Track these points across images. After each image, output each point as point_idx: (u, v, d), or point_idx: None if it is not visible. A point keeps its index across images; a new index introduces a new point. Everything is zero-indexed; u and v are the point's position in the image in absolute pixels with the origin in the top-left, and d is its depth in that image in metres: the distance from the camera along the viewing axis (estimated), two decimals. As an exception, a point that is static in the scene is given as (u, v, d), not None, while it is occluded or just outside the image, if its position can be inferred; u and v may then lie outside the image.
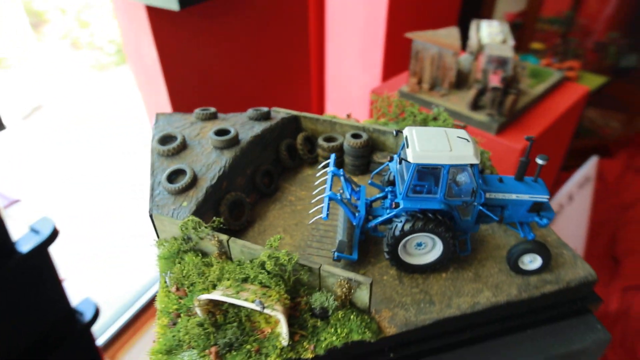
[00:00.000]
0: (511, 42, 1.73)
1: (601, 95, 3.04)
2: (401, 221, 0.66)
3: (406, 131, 0.68)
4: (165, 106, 1.62)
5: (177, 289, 0.65)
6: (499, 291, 0.69)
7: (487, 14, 3.18)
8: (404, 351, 0.66)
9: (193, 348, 0.59)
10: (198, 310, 0.61)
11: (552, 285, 0.70)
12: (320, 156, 0.93)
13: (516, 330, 0.71)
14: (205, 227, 0.66)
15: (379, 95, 1.75)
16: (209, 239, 0.67)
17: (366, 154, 0.90)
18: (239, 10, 1.59)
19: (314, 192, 0.78)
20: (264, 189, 0.86)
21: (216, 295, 0.59)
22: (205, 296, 0.59)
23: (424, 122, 0.97)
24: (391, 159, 0.75)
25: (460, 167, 0.64)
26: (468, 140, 0.66)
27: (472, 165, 0.64)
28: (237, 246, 0.66)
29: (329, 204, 0.69)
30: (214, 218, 0.68)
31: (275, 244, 0.62)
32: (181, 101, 1.61)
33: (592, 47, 3.17)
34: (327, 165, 0.80)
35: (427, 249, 0.69)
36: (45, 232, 1.43)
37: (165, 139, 0.83)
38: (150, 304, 2.75)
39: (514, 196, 0.69)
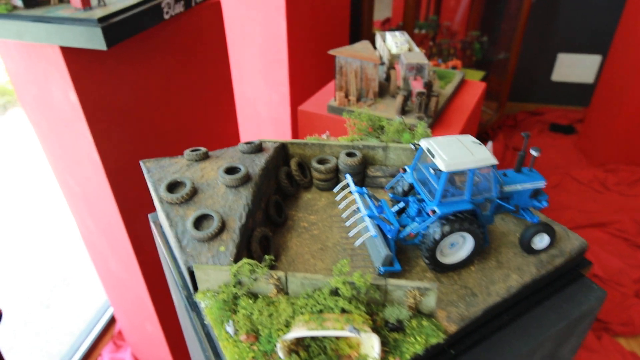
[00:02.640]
0: (416, 49, 1.90)
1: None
2: (438, 225, 0.72)
3: (424, 143, 0.74)
4: (90, 153, 1.51)
5: (247, 337, 0.64)
6: (523, 272, 0.78)
7: (368, 26, 3.41)
8: (460, 345, 0.72)
9: (288, 389, 0.59)
10: (280, 352, 0.61)
11: (560, 258, 0.81)
12: (316, 179, 0.96)
13: (538, 304, 0.81)
14: (262, 268, 0.66)
15: (306, 112, 1.79)
16: (265, 279, 0.66)
17: (361, 170, 0.95)
18: (161, 46, 1.54)
19: (343, 215, 0.81)
20: (277, 219, 0.86)
21: (303, 331, 0.59)
22: (291, 335, 0.59)
23: (399, 134, 1.04)
24: (404, 171, 0.81)
25: (484, 169, 0.72)
26: (480, 144, 0.74)
27: (492, 165, 0.72)
28: (297, 279, 0.66)
29: (370, 221, 0.72)
30: (266, 256, 0.68)
31: (346, 269, 0.64)
32: (109, 146, 1.51)
33: (460, 46, 3.55)
34: (345, 187, 0.84)
35: (458, 247, 0.76)
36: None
37: (172, 186, 0.80)
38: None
39: (519, 187, 0.80)
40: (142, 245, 1.71)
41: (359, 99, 1.78)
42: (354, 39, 3.07)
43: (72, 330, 2.69)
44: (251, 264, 0.65)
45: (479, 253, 0.79)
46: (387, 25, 4.16)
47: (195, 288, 0.71)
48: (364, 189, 0.79)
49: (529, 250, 0.80)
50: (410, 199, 0.79)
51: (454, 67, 2.85)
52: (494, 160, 0.72)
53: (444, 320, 0.70)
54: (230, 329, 0.65)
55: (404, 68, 1.72)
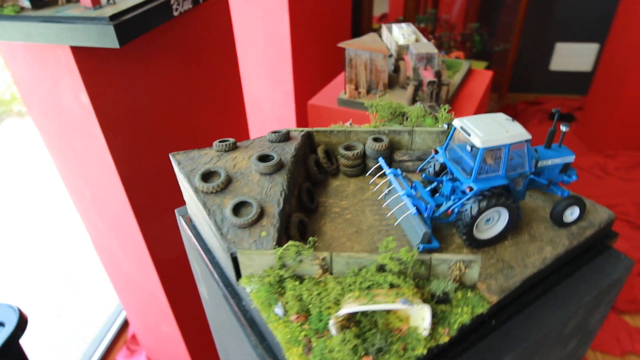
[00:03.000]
0: (424, 39, 1.91)
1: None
2: (475, 201, 0.74)
3: (457, 122, 0.76)
4: (102, 155, 1.51)
5: (298, 317, 0.65)
6: (556, 244, 0.79)
7: (368, 22, 3.42)
8: (500, 316, 0.74)
9: (344, 364, 0.60)
10: (333, 329, 0.62)
11: (590, 230, 0.82)
12: (343, 165, 0.97)
13: (569, 275, 0.82)
14: (308, 249, 0.67)
15: (316, 106, 1.79)
16: (310, 260, 0.68)
17: (388, 155, 0.96)
18: (170, 43, 1.55)
19: (379, 197, 0.82)
20: (310, 206, 0.87)
21: (355, 307, 0.60)
22: (344, 311, 0.60)
23: (421, 119, 1.05)
24: (436, 152, 0.82)
25: (518, 144, 0.74)
26: (513, 120, 0.76)
27: (526, 141, 0.74)
28: (342, 259, 0.67)
29: (409, 200, 0.74)
30: (310, 238, 0.69)
31: (392, 245, 0.65)
32: (121, 146, 1.51)
33: (460, 38, 3.57)
34: (378, 170, 0.85)
35: (493, 222, 0.78)
36: (11, 322, 1.24)
37: (206, 176, 0.81)
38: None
39: (549, 162, 0.81)
40: (156, 244, 1.71)
41: (369, 91, 1.79)
42: (354, 35, 3.08)
43: (85, 337, 2.69)
44: (297, 246, 0.66)
45: (513, 227, 0.81)
46: (385, 20, 4.18)
47: (238, 275, 0.72)
48: (398, 171, 0.80)
49: (560, 223, 0.81)
50: (444, 178, 0.81)
51: (457, 58, 2.86)
52: (528, 135, 0.73)
53: (484, 292, 0.71)
54: (279, 310, 0.66)
55: (413, 58, 1.73)
